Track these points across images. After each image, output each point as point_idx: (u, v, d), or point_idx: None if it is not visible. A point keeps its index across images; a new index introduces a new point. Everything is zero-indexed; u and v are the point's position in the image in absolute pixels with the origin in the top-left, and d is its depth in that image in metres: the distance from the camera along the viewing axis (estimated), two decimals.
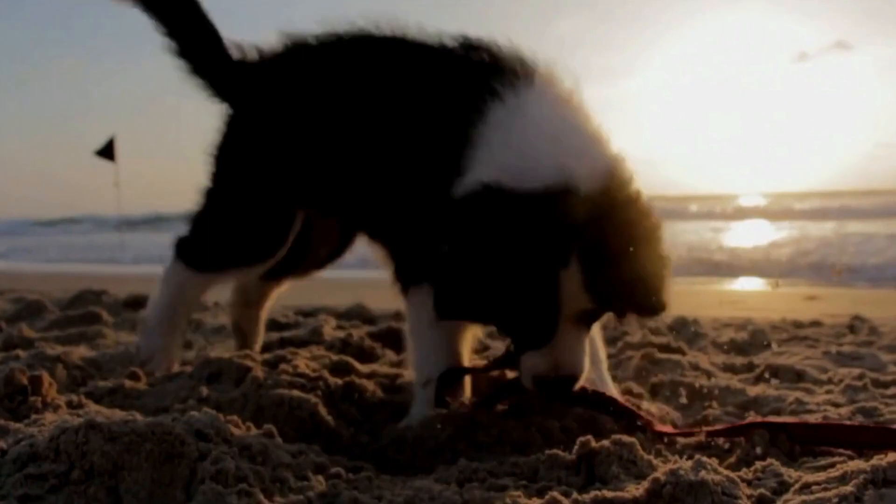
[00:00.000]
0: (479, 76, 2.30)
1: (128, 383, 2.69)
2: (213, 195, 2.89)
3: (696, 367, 3.13)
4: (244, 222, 2.85)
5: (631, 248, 2.05)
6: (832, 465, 1.83)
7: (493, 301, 2.09)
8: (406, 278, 2.46)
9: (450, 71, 2.41)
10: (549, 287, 2.03)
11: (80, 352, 3.14)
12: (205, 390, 2.53)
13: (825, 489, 1.64)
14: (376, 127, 2.48)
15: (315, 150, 2.66)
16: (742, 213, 28.28)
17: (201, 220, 2.92)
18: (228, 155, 2.88)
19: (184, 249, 2.96)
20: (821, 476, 1.72)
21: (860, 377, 2.83)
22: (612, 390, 2.55)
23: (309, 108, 2.67)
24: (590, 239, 2.01)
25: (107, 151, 17.08)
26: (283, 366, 2.72)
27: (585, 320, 2.16)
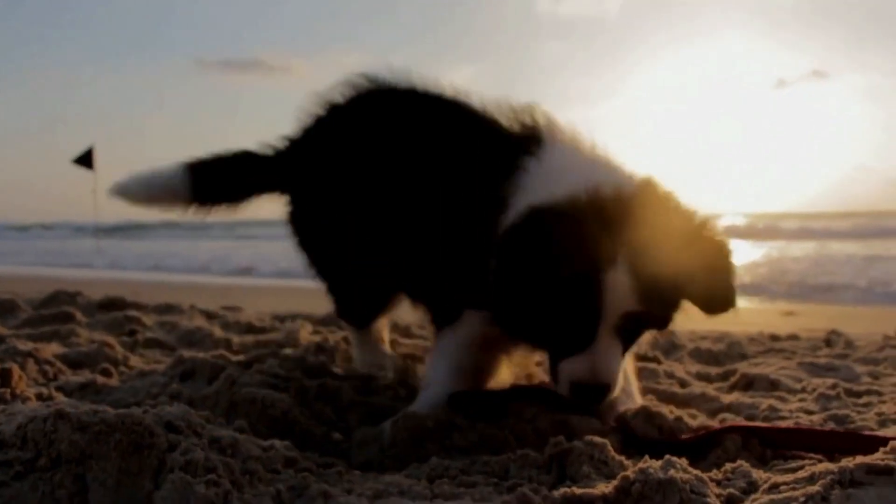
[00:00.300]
0: (511, 140, 2.46)
1: (100, 379, 2.69)
2: (320, 267, 3.09)
3: (671, 376, 3.15)
4: (355, 292, 3.07)
5: (674, 248, 2.12)
6: (802, 468, 1.86)
7: (538, 306, 2.14)
8: (443, 321, 2.53)
9: (482, 140, 2.54)
10: (595, 288, 2.07)
11: (53, 348, 3.13)
12: (177, 387, 2.53)
13: (793, 489, 1.66)
14: (413, 198, 2.61)
15: (359, 225, 2.79)
16: (725, 233, 28.38)
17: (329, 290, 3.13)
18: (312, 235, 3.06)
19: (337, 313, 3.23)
20: (789, 477, 1.74)
21: (833, 387, 2.86)
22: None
23: (344, 186, 2.82)
24: (634, 239, 2.07)
25: (85, 160, 17.26)
26: (257, 366, 2.73)
27: (626, 332, 2.18)
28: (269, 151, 3.07)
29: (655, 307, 2.17)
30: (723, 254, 2.27)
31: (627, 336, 2.20)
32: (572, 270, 2.07)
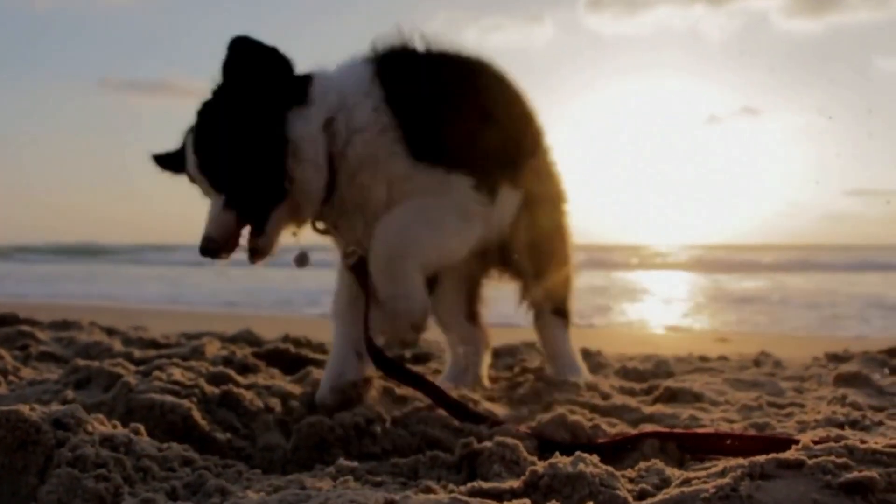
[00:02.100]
0: None
1: None
2: None
3: (593, 389, 3.22)
4: None
5: None
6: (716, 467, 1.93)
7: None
8: None
9: None
10: None
11: None
12: (70, 394, 2.51)
13: (704, 482, 1.73)
14: None
15: None
16: (657, 264, 29.01)
17: None
18: None
19: None
20: (702, 473, 1.81)
21: (756, 399, 2.96)
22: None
23: None
24: None
25: None
26: (157, 373, 2.72)
27: None
28: None
29: None
30: None
31: None
32: None
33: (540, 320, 3.35)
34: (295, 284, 13.88)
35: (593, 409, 2.85)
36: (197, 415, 2.34)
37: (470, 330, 3.39)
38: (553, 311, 3.33)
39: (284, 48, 2.54)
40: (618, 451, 2.24)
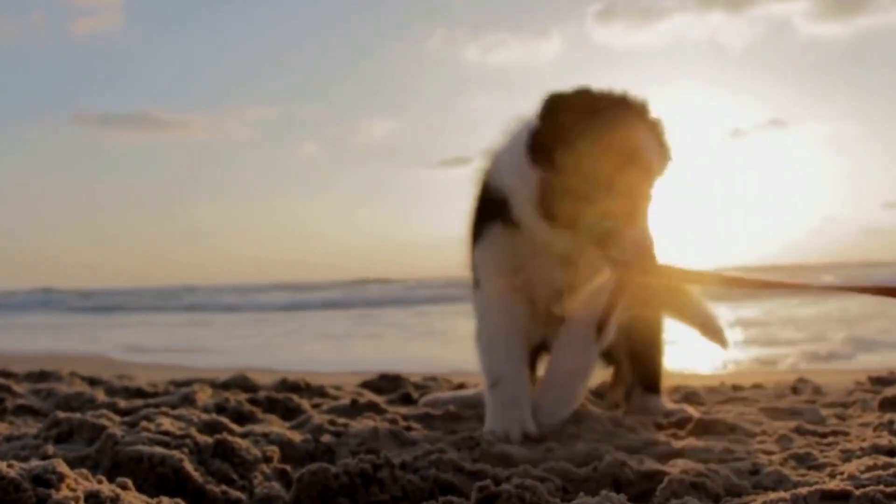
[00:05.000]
0: None
1: None
2: None
3: (619, 424, 3.20)
4: None
5: None
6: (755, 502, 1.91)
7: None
8: None
9: None
10: None
11: None
12: (51, 448, 2.51)
13: None
14: None
15: None
16: None
17: None
18: None
19: None
20: None
21: (797, 429, 2.94)
22: None
23: None
24: None
25: None
26: (144, 424, 2.71)
27: None
28: None
29: None
30: None
31: None
32: None
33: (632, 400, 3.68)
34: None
35: (619, 445, 2.83)
36: (189, 466, 2.33)
37: None
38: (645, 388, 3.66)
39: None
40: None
